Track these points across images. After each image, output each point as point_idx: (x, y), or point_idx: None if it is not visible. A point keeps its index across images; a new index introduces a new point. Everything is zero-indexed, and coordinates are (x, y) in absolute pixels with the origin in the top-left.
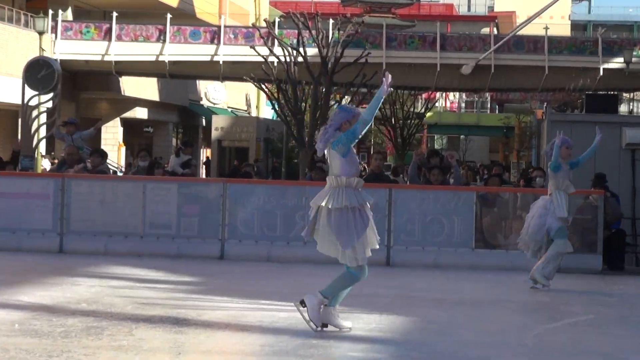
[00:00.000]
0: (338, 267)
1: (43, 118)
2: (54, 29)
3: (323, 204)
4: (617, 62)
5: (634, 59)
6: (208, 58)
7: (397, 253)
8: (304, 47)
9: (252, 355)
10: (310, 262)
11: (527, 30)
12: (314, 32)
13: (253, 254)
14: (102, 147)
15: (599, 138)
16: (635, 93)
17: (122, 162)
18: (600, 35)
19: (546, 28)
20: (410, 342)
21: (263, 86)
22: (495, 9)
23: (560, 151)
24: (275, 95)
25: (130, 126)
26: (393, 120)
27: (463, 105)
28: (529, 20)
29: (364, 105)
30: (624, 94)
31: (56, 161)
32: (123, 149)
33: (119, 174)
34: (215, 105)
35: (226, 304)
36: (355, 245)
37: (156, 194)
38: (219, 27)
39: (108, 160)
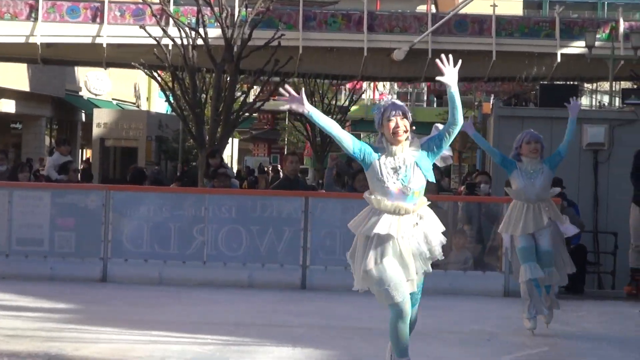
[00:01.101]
0: (245, 292)
1: None
2: None
3: None
4: (577, 47)
5: (597, 43)
6: (89, 40)
7: (315, 274)
8: (204, 27)
9: None
10: (210, 286)
11: (470, 9)
12: (216, 9)
13: (142, 275)
14: None
15: (574, 105)
16: (598, 83)
17: None
18: (558, 14)
19: (494, 6)
20: None
21: (155, 74)
22: None
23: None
24: (170, 85)
25: None
26: None
27: (395, 97)
28: None
29: (276, 98)
30: (585, 85)
31: None
32: None
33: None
34: (98, 97)
35: (110, 335)
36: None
37: (25, 204)
38: (102, 2)
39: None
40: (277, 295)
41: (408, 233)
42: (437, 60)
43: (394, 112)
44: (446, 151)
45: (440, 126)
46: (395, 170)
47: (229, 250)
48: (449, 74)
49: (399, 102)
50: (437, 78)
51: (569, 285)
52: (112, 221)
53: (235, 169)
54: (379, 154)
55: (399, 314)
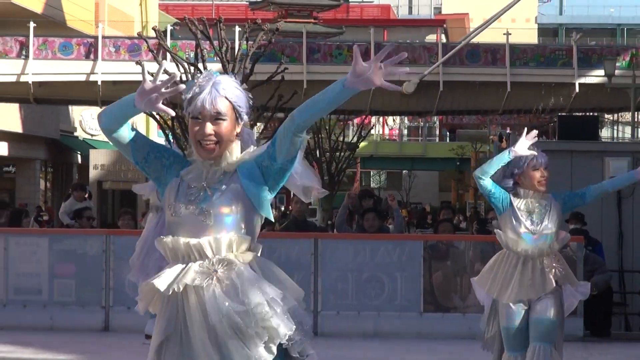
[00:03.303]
0: None
1: None
2: None
3: None
4: (596, 76)
5: (617, 72)
6: (83, 77)
7: (326, 320)
8: (203, 61)
9: None
10: None
11: (483, 37)
12: (216, 42)
13: (145, 324)
14: None
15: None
16: (619, 114)
17: None
18: (575, 42)
19: (507, 34)
20: None
21: (153, 112)
22: (444, 11)
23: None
24: (169, 123)
25: None
26: (318, 152)
27: (405, 132)
28: (486, 24)
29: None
30: (606, 116)
31: None
32: None
33: None
34: (94, 138)
35: None
36: None
37: (22, 251)
38: (96, 38)
39: None
40: None
41: None
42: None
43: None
44: None
45: None
46: None
47: None
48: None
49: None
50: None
51: (595, 328)
52: (114, 267)
53: None
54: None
55: None
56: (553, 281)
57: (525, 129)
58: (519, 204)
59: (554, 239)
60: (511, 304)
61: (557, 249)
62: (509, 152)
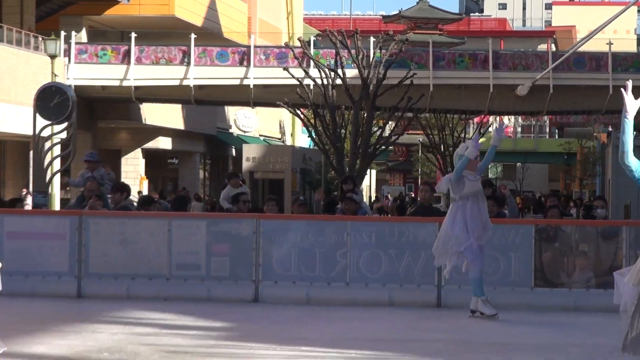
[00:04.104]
0: (385, 311)
1: (57, 150)
2: (67, 52)
3: None
4: None
5: None
6: (237, 82)
7: (449, 293)
8: (342, 68)
9: None
10: (353, 305)
11: (588, 47)
12: (353, 51)
13: (290, 296)
14: (123, 180)
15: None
16: None
17: None
18: None
19: (609, 44)
20: None
21: (298, 112)
22: (553, 24)
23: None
24: (312, 121)
25: (153, 157)
26: (442, 147)
27: (519, 129)
28: (591, 35)
29: (409, 132)
30: None
31: None
32: (145, 182)
33: None
34: (246, 134)
35: (263, 351)
36: None
37: (183, 232)
38: (249, 47)
39: (132, 196)
40: (414, 313)
41: None
42: (622, 89)
43: None
44: None
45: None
46: None
47: (369, 272)
48: (631, 102)
49: None
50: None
51: None
52: (263, 247)
53: (373, 197)
54: None
55: None
56: None
57: (622, 88)
58: None
59: None
60: None
61: None
62: (625, 117)
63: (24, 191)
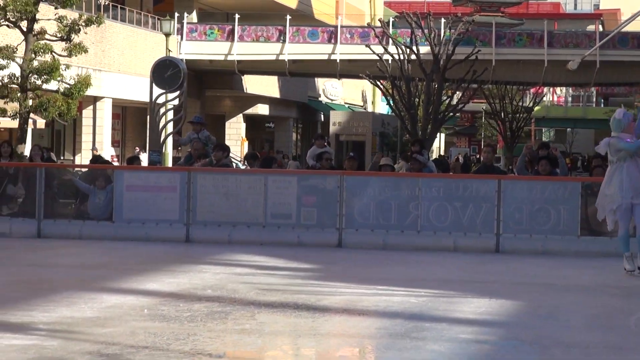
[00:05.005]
0: (451, 255)
1: (170, 115)
2: (180, 31)
3: None
4: None
5: None
6: (326, 57)
7: (506, 240)
8: (417, 45)
9: (368, 338)
10: (423, 250)
11: (631, 27)
12: (426, 31)
13: (369, 242)
14: (226, 142)
15: None
16: None
17: None
18: None
19: None
20: (517, 325)
21: (378, 83)
22: (601, 7)
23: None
24: (390, 91)
25: (252, 122)
26: (502, 114)
27: (570, 99)
28: (633, 17)
29: (474, 100)
30: None
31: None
32: (246, 143)
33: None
34: (333, 102)
35: (343, 289)
36: None
37: (277, 186)
38: (336, 27)
39: (231, 154)
40: (476, 257)
41: None
42: None
43: None
44: None
45: None
46: None
47: (437, 222)
48: None
49: None
50: None
51: None
52: (346, 199)
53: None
54: None
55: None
56: None
57: None
58: None
59: None
60: None
61: None
62: None
63: (137, 149)
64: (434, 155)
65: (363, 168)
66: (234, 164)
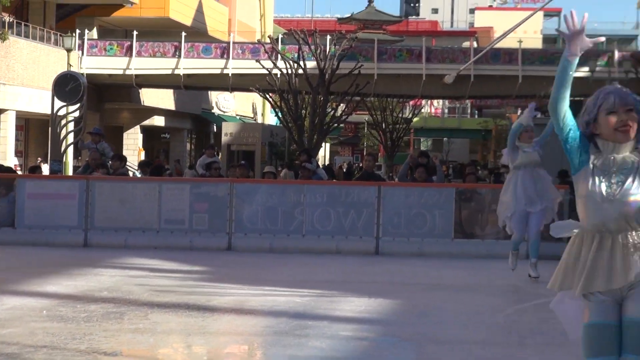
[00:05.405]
0: (333, 257)
1: (71, 126)
2: (81, 47)
3: None
4: (583, 71)
5: (597, 68)
6: (219, 71)
7: (386, 243)
8: (304, 60)
9: (255, 336)
10: (307, 253)
11: (503, 44)
12: (313, 47)
13: (257, 245)
14: (124, 152)
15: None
16: None
17: None
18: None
19: (520, 42)
20: (395, 322)
21: (267, 96)
22: (475, 25)
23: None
24: (278, 104)
25: (149, 133)
26: (384, 125)
27: (446, 110)
28: (505, 34)
29: (357, 112)
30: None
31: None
32: (143, 153)
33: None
34: (225, 114)
35: (232, 290)
36: None
37: (171, 194)
38: (229, 43)
39: (128, 164)
40: (357, 260)
41: None
42: (566, 16)
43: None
44: None
45: None
46: None
47: (321, 226)
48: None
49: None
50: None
51: None
52: (235, 205)
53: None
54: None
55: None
56: None
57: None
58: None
59: None
60: (593, 298)
61: None
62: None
63: (39, 160)
64: (320, 164)
65: (253, 176)
66: (131, 173)
